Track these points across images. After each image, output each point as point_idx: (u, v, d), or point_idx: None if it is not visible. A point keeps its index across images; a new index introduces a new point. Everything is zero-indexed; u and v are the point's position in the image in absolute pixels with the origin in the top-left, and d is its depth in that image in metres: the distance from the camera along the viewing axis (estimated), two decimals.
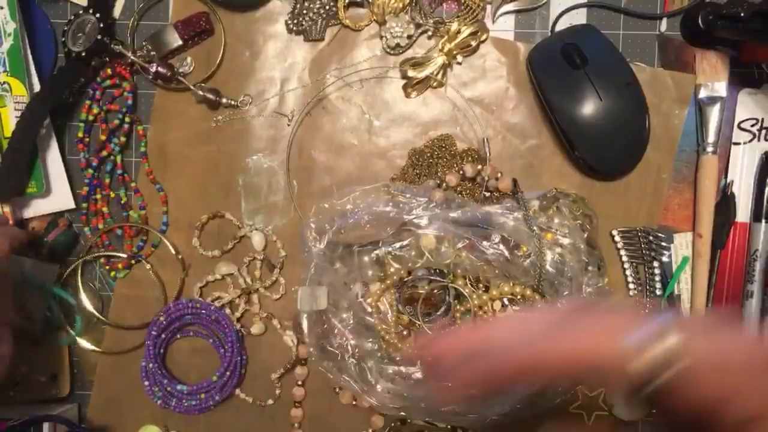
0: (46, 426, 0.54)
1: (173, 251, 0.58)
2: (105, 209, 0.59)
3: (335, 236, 0.53)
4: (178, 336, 0.60)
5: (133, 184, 0.59)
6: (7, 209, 0.56)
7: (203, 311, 0.58)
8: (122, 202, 0.59)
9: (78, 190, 0.59)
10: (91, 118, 0.58)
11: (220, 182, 0.59)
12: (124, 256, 0.59)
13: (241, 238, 0.59)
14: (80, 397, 0.60)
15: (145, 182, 0.59)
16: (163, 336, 0.58)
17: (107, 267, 0.59)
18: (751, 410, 0.22)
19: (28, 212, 0.58)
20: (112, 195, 0.59)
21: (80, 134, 0.58)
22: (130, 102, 0.58)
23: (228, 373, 0.57)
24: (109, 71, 0.58)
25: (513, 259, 0.52)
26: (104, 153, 0.58)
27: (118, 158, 0.59)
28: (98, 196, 0.59)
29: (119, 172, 0.59)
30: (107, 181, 0.59)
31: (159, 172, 0.59)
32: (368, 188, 0.54)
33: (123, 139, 0.58)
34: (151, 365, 0.57)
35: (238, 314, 0.58)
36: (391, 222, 0.53)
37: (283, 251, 0.58)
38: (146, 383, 0.58)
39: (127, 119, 0.58)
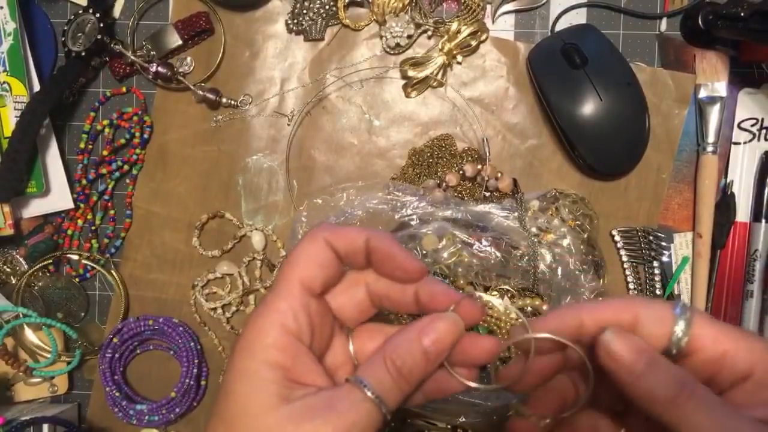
0: (45, 427, 0.54)
1: (114, 283, 0.59)
2: (80, 222, 0.59)
3: None
4: (138, 351, 0.60)
5: (112, 212, 0.59)
6: (7, 209, 0.56)
7: (155, 327, 0.58)
8: (93, 228, 0.59)
9: (73, 194, 0.59)
10: (99, 128, 0.59)
11: (220, 182, 0.59)
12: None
13: (241, 238, 0.59)
14: (80, 397, 0.60)
15: (123, 206, 0.60)
16: (117, 356, 0.58)
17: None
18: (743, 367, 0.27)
19: (28, 212, 0.58)
20: (89, 217, 0.59)
21: (82, 145, 0.58)
22: (146, 137, 0.58)
23: (186, 387, 0.57)
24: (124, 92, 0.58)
25: (510, 259, 0.52)
26: (103, 170, 0.58)
27: (111, 185, 0.59)
28: (80, 210, 0.59)
29: (106, 198, 0.59)
30: (94, 198, 0.59)
31: (159, 172, 0.59)
32: (363, 185, 0.54)
33: (126, 168, 0.59)
34: (107, 389, 0.57)
35: (228, 315, 0.58)
36: (385, 220, 0.53)
37: (283, 251, 0.58)
38: (109, 402, 0.57)
39: (138, 150, 0.58)
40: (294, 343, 0.30)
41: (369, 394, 0.28)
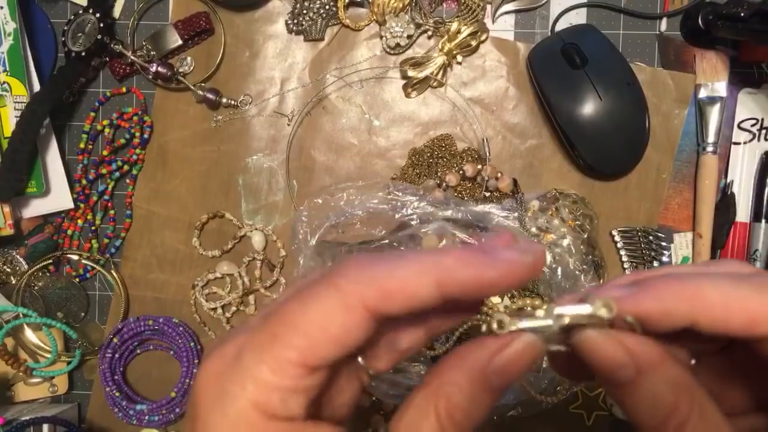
0: (45, 427, 0.54)
1: (114, 282, 0.59)
2: (80, 222, 0.59)
3: (327, 233, 0.53)
4: (138, 351, 0.60)
5: (112, 212, 0.59)
6: (7, 209, 0.56)
7: (155, 327, 0.58)
8: (93, 228, 0.59)
9: (73, 194, 0.59)
10: (99, 128, 0.59)
11: (220, 182, 0.59)
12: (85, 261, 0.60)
13: (241, 238, 0.59)
14: (80, 397, 0.60)
15: (123, 206, 0.60)
16: (117, 356, 0.58)
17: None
18: None
19: (28, 212, 0.58)
20: (89, 217, 0.59)
21: (82, 145, 0.58)
22: (146, 137, 0.58)
23: (186, 387, 0.57)
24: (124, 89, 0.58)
25: None
26: (103, 170, 0.58)
27: (111, 185, 0.59)
28: (80, 210, 0.59)
29: (107, 198, 0.59)
30: (94, 198, 0.59)
31: (159, 172, 0.59)
32: (363, 185, 0.54)
33: (126, 168, 0.59)
34: (107, 389, 0.57)
35: (228, 315, 0.59)
36: (386, 221, 0.53)
37: (283, 251, 0.58)
38: (109, 402, 0.57)
39: (138, 150, 0.58)
40: (285, 427, 0.21)
41: None
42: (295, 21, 0.58)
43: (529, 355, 0.22)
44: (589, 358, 0.22)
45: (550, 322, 0.22)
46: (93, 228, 0.59)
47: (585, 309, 0.22)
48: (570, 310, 0.22)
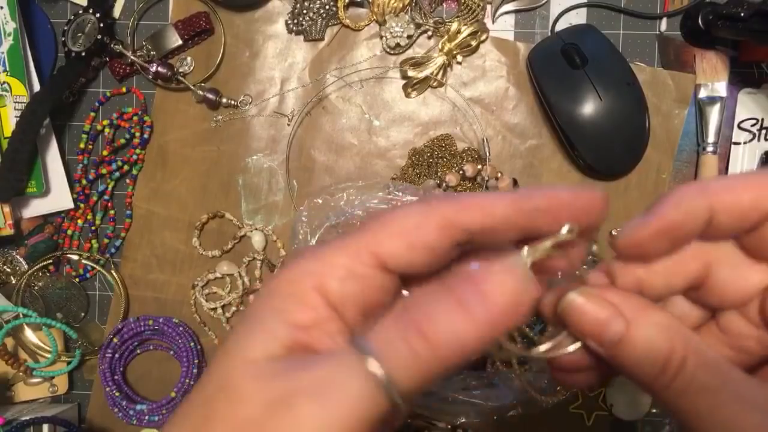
0: (45, 427, 0.54)
1: (114, 282, 0.59)
2: (80, 222, 0.59)
3: (327, 233, 0.53)
4: (138, 351, 0.60)
5: (112, 212, 0.59)
6: (7, 209, 0.56)
7: (155, 327, 0.58)
8: (92, 228, 0.59)
9: (73, 194, 0.59)
10: (99, 128, 0.59)
11: (220, 182, 0.59)
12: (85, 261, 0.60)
13: (241, 238, 0.59)
14: (80, 397, 0.60)
15: (123, 206, 0.60)
16: (117, 356, 0.58)
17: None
18: None
19: (28, 212, 0.58)
20: (89, 217, 0.59)
21: (82, 145, 0.58)
22: (146, 137, 0.58)
23: (186, 387, 0.57)
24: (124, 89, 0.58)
25: None
26: (103, 170, 0.58)
27: (111, 185, 0.59)
28: (80, 210, 0.59)
29: (107, 198, 0.59)
30: (94, 198, 0.59)
31: (159, 172, 0.59)
32: (363, 185, 0.54)
33: (126, 168, 0.59)
34: (107, 389, 0.57)
35: (228, 315, 0.59)
36: None
37: (283, 251, 0.58)
38: (109, 402, 0.57)
39: (138, 150, 0.58)
40: (328, 312, 0.21)
41: (372, 368, 0.19)
42: (295, 21, 0.58)
43: (519, 299, 0.20)
44: (577, 323, 0.23)
45: (522, 261, 0.22)
46: (93, 228, 0.59)
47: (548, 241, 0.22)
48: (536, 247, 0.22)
